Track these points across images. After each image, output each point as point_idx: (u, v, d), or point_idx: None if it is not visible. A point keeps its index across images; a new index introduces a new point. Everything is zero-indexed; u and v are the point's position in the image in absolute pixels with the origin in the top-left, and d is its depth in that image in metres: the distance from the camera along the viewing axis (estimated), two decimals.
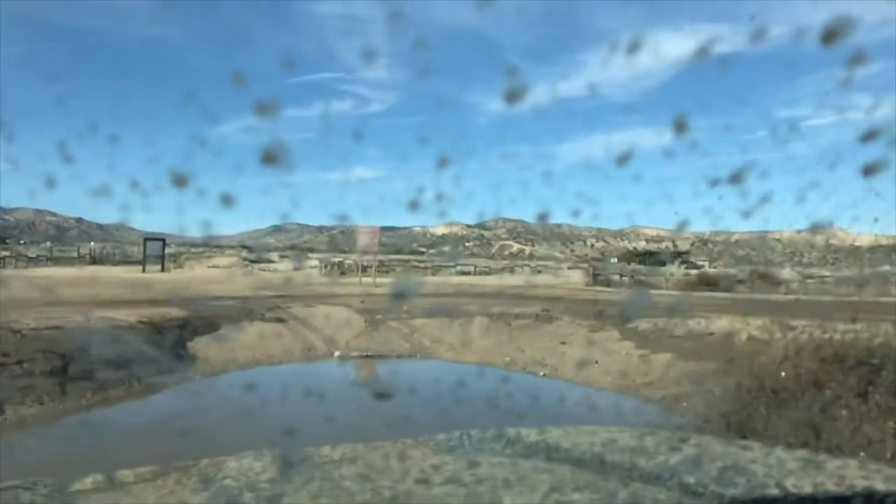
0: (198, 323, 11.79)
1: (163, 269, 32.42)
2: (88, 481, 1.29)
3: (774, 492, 1.13)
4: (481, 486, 1.12)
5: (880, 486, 1.14)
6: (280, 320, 13.97)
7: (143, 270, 31.13)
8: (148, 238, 33.39)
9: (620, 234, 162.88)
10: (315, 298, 17.32)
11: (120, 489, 1.25)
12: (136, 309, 12.16)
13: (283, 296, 17.19)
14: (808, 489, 1.14)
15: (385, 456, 1.37)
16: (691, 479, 1.16)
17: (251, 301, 15.13)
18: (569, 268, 52.37)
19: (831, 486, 1.15)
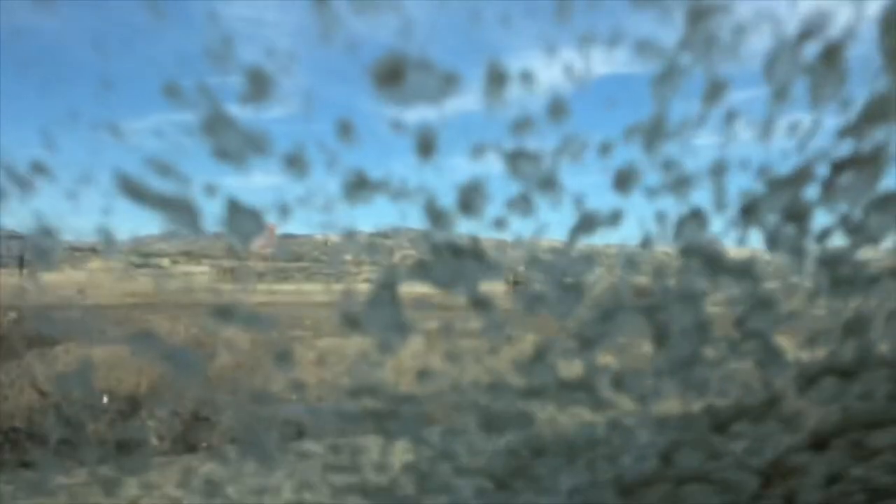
0: None
1: (21, 273, 29.23)
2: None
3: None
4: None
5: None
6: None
7: None
8: (3, 236, 29.61)
9: (520, 244, 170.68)
10: (190, 308, 14.09)
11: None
12: None
13: (151, 304, 14.01)
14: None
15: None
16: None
17: (102, 311, 11.79)
18: None
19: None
